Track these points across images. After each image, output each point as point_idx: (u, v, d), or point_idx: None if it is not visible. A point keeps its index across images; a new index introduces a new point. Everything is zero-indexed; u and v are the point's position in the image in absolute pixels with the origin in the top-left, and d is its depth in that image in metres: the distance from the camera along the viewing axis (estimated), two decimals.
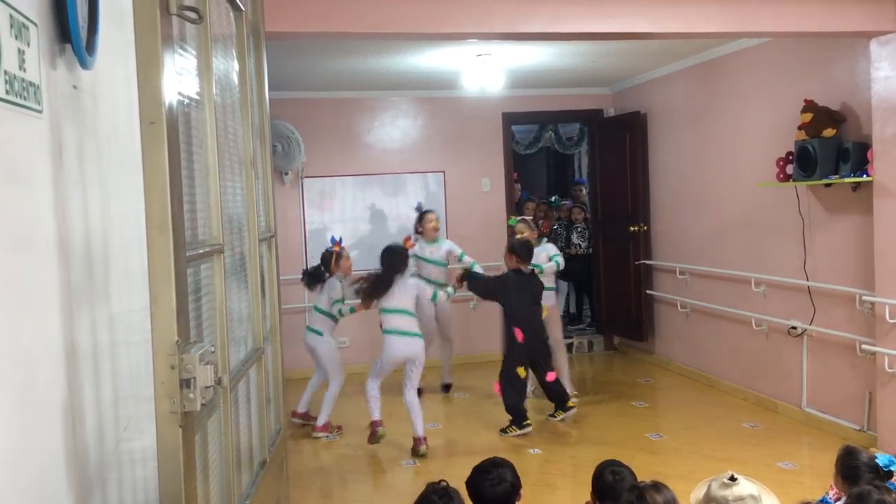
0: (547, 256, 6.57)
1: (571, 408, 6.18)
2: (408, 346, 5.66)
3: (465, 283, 6.18)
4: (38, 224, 1.72)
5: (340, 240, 6.41)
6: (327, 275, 6.22)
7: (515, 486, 2.96)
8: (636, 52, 6.82)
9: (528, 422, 5.99)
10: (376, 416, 5.68)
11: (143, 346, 2.09)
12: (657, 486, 2.60)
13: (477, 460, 3.09)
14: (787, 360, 6.13)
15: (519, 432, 5.93)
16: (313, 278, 6.30)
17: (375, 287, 5.66)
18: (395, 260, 5.70)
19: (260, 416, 3.09)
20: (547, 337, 6.42)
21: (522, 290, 6.11)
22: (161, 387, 1.80)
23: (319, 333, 6.17)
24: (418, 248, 6.85)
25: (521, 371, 6.04)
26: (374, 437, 5.67)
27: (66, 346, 1.82)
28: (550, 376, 6.16)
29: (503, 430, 5.98)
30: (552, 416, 6.19)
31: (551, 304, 6.68)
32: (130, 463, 2.22)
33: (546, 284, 6.48)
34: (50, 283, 1.76)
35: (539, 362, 6.18)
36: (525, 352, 6.05)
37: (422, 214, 7.11)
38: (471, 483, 2.97)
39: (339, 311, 6.10)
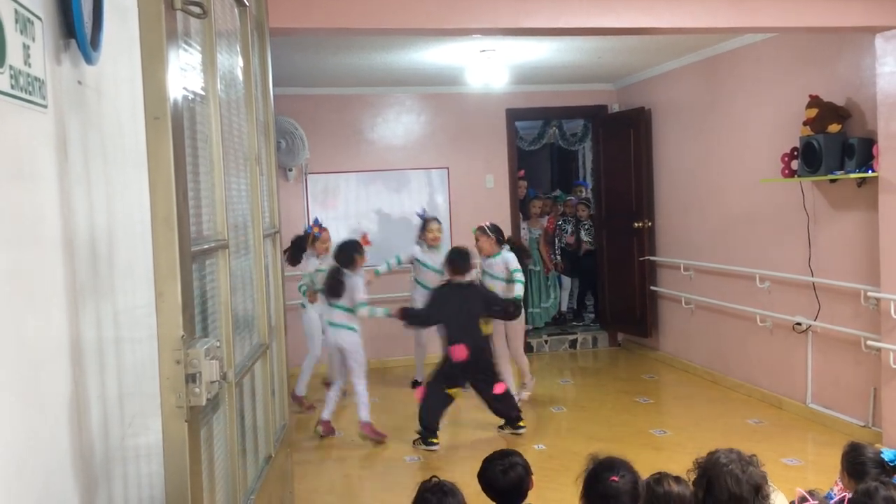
0: (506, 268, 6.26)
1: (522, 427, 5.87)
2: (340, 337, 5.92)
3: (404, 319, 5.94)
4: (43, 219, 1.72)
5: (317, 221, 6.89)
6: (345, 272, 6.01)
7: (527, 472, 2.97)
8: (640, 48, 6.81)
9: (436, 441, 5.65)
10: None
11: (148, 342, 2.09)
12: (678, 479, 2.63)
13: (480, 456, 3.10)
14: (791, 357, 6.12)
15: (423, 447, 5.63)
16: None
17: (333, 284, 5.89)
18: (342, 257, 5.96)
19: (265, 411, 3.10)
20: (484, 352, 5.87)
21: (456, 304, 5.74)
22: (166, 382, 1.80)
23: (354, 329, 5.97)
24: (420, 252, 6.94)
25: (453, 392, 5.74)
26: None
27: (71, 341, 1.82)
28: (498, 388, 5.78)
29: (414, 442, 5.73)
30: (501, 427, 5.91)
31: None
32: (136, 458, 2.22)
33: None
34: (55, 279, 1.76)
35: (480, 380, 5.79)
36: (460, 370, 5.68)
37: (425, 222, 7.03)
38: (482, 474, 2.98)
39: (371, 313, 5.89)
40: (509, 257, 6.29)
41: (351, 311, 5.91)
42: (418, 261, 6.96)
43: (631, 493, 2.53)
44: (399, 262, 6.89)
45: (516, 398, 6.21)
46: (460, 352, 5.62)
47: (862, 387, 5.45)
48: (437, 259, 6.89)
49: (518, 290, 6.14)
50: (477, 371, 5.75)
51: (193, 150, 2.22)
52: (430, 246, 6.93)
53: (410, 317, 5.95)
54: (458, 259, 5.93)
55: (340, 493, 5.11)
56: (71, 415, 1.80)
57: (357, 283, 5.93)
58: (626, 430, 5.94)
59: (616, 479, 2.54)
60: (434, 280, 6.76)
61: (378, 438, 5.85)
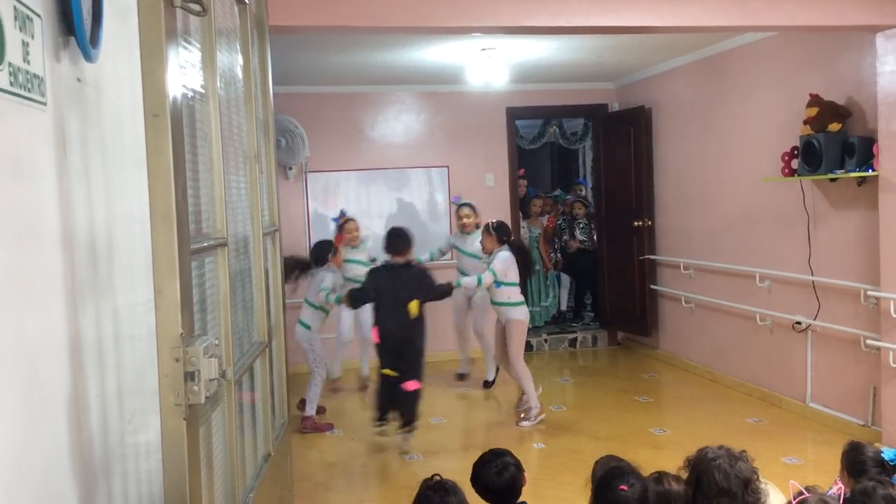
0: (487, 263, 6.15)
1: (410, 432, 5.61)
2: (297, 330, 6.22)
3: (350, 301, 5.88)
4: (42, 217, 1.72)
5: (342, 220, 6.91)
6: (315, 267, 6.32)
7: (520, 471, 2.97)
8: (640, 47, 6.80)
9: (380, 423, 5.68)
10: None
11: (147, 340, 2.10)
12: (678, 478, 2.63)
13: (479, 454, 3.10)
14: (791, 356, 6.12)
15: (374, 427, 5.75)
16: (296, 267, 6.34)
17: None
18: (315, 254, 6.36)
19: (264, 409, 3.10)
20: (412, 339, 5.61)
21: (387, 285, 5.57)
22: (165, 379, 1.80)
23: (307, 327, 6.28)
24: (456, 239, 7.17)
25: (386, 371, 5.58)
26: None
27: (70, 339, 1.82)
28: (410, 385, 5.54)
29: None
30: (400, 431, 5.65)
31: (519, 317, 6.16)
32: (135, 456, 2.23)
33: (514, 300, 6.10)
34: (54, 277, 1.76)
35: (400, 366, 5.57)
36: (384, 352, 5.59)
37: (458, 209, 7.18)
38: (475, 477, 2.97)
39: (327, 298, 6.09)
40: (498, 256, 6.09)
41: (314, 306, 6.23)
42: (457, 248, 7.10)
43: (640, 500, 2.52)
44: (431, 258, 6.99)
45: (527, 423, 6.04)
46: (374, 335, 5.64)
47: (861, 386, 5.45)
48: (472, 244, 6.90)
49: (469, 279, 6.09)
50: (399, 356, 5.59)
51: (193, 147, 2.22)
52: (463, 232, 7.03)
53: (350, 297, 5.82)
54: (391, 239, 5.76)
55: (339, 491, 5.11)
56: (70, 412, 1.80)
57: (324, 277, 6.20)
58: (626, 428, 5.94)
59: (625, 487, 2.53)
60: (474, 266, 6.79)
61: (317, 431, 6.14)
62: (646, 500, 2.53)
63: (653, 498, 2.55)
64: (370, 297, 5.69)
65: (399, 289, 5.55)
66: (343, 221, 7.13)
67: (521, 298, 6.22)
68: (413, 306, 5.50)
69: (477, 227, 6.85)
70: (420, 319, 5.58)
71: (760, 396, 6.45)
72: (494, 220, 6.35)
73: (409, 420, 5.61)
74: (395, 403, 5.62)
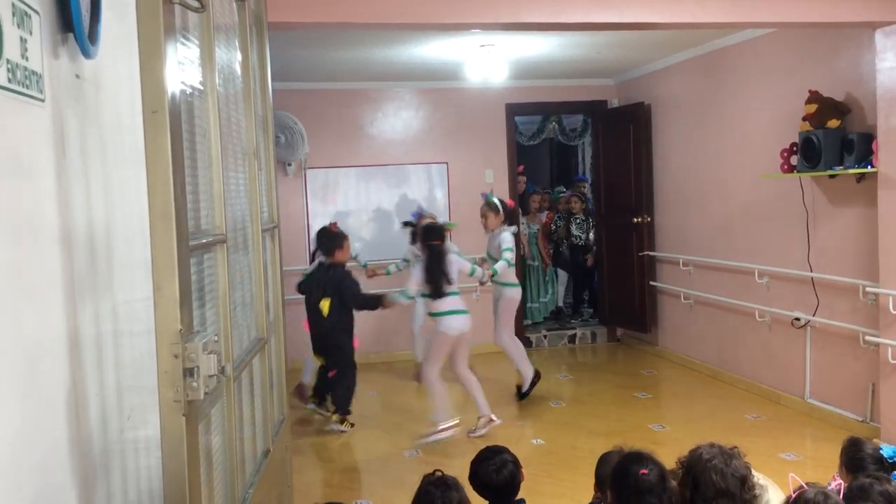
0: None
1: (339, 422, 6.03)
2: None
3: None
4: (41, 214, 1.72)
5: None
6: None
7: (517, 467, 2.97)
8: (640, 43, 6.80)
9: (315, 404, 6.28)
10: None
11: (146, 336, 2.09)
12: (676, 473, 2.62)
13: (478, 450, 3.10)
14: (790, 352, 6.13)
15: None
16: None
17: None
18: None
19: (263, 405, 3.11)
20: (331, 335, 6.00)
21: (315, 283, 6.10)
22: (164, 375, 1.80)
23: None
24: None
25: (317, 358, 6.20)
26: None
27: (69, 336, 1.82)
28: (331, 373, 6.10)
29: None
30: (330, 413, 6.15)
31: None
32: (134, 452, 2.23)
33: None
34: (53, 274, 1.76)
35: (328, 357, 6.13)
36: (313, 342, 6.17)
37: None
38: (473, 474, 2.97)
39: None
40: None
41: None
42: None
43: (660, 484, 2.50)
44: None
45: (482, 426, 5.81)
46: (304, 325, 6.20)
47: (860, 382, 5.46)
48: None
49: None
50: (324, 347, 6.10)
51: (191, 144, 2.22)
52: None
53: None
54: (321, 240, 6.20)
55: (339, 487, 5.12)
56: (69, 408, 1.80)
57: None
58: (625, 425, 5.95)
59: (645, 472, 2.50)
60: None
61: (298, 400, 6.36)
62: (664, 484, 2.51)
63: (670, 481, 2.53)
64: (304, 294, 6.21)
65: (320, 288, 6.01)
66: (420, 220, 6.88)
67: (455, 306, 5.60)
68: (324, 305, 5.95)
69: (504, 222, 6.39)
70: (338, 317, 5.97)
71: (759, 393, 6.46)
72: (426, 221, 6.21)
73: (336, 407, 6.09)
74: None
